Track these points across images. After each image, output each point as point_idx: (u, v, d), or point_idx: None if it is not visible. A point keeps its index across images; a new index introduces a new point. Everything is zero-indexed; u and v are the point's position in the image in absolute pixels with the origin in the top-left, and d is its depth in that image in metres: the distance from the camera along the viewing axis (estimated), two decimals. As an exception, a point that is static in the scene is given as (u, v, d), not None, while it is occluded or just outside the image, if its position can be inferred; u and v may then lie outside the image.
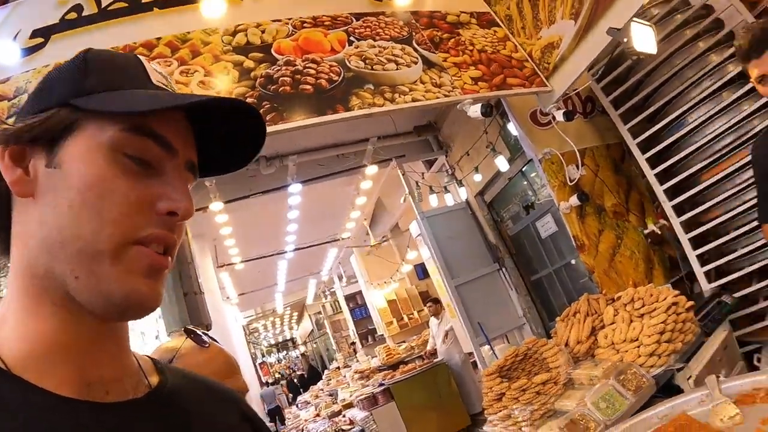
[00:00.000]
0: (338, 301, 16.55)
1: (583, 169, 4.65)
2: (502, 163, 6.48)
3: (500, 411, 2.64)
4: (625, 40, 3.44)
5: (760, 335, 3.83)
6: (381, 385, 7.40)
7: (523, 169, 7.01)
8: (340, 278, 14.77)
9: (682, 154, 4.16)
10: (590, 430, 2.07)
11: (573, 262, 6.76)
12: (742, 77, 3.92)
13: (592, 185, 4.97)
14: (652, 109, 4.34)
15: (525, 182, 7.22)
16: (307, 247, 11.22)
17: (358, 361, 11.20)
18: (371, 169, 7.39)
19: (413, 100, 3.13)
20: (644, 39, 3.56)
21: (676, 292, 2.86)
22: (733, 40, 4.15)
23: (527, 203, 7.31)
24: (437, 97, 3.28)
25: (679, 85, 4.13)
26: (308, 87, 2.72)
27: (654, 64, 4.23)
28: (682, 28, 4.16)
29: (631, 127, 4.51)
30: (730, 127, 3.86)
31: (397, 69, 3.20)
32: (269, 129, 2.61)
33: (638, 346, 2.69)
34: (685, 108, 4.09)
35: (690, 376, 2.56)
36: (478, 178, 7.19)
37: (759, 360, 3.82)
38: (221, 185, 6.59)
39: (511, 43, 4.19)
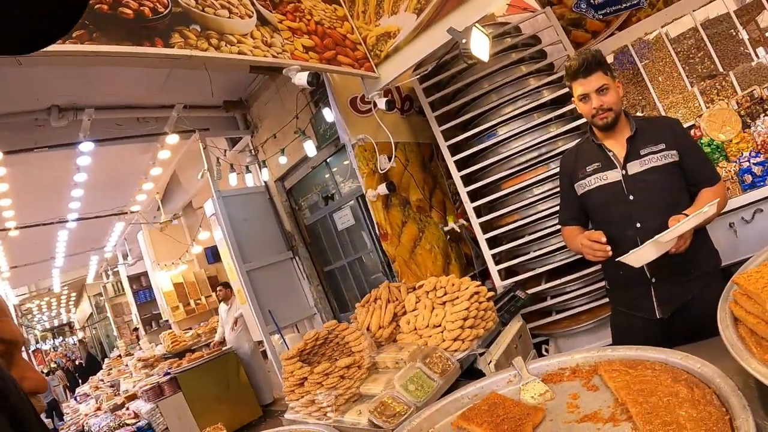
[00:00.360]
0: (121, 282, 14.80)
1: (394, 160, 4.73)
2: (310, 148, 6.40)
3: (303, 396, 2.51)
4: (464, 41, 3.55)
5: (547, 329, 4.28)
6: (167, 374, 6.79)
7: (328, 160, 7.04)
8: (125, 256, 13.30)
9: (488, 162, 4.45)
10: (400, 412, 2.04)
11: (371, 255, 6.93)
12: (555, 103, 4.37)
13: (401, 178, 5.09)
14: (467, 117, 4.58)
15: (327, 174, 7.24)
16: (93, 217, 10.02)
17: (141, 348, 10.25)
18: (172, 138, 6.80)
19: (239, 53, 2.87)
20: (480, 46, 3.72)
21: (478, 282, 2.99)
22: (552, 70, 4.65)
23: (327, 194, 7.34)
24: (265, 56, 3.04)
25: (497, 99, 4.44)
26: (128, 11, 2.32)
27: (476, 76, 4.49)
28: (510, 50, 4.52)
29: (444, 130, 4.71)
30: (535, 144, 4.27)
31: (229, 17, 2.90)
32: (72, 48, 2.20)
33: (442, 332, 2.74)
34: (498, 120, 4.41)
35: (491, 361, 2.69)
36: (283, 160, 7.01)
37: (547, 350, 4.28)
38: (1, 131, 5.57)
39: (348, 24, 4.11)
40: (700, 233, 2.39)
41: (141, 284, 13.37)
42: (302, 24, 3.52)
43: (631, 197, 2.46)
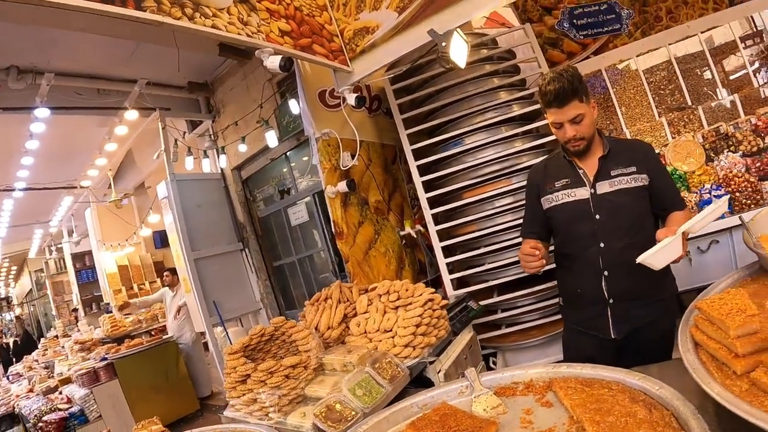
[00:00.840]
0: (64, 260, 14.05)
1: (357, 159, 4.66)
2: (272, 139, 6.27)
3: (245, 394, 2.40)
4: (444, 44, 3.51)
5: (496, 342, 4.27)
6: (104, 359, 6.49)
7: (288, 154, 6.94)
8: (71, 233, 12.69)
9: (451, 170, 4.43)
10: (347, 417, 1.97)
11: (322, 254, 6.85)
12: (524, 118, 4.39)
13: (361, 177, 5.02)
14: (435, 123, 4.55)
15: (286, 168, 7.14)
16: (41, 188, 9.55)
17: (79, 330, 9.79)
18: (131, 114, 6.57)
19: (213, 27, 2.74)
20: (459, 51, 3.69)
21: (432, 289, 2.95)
22: (525, 86, 4.67)
23: (283, 188, 7.26)
24: (239, 34, 2.93)
25: (467, 108, 4.43)
26: (102, -34, 2.19)
27: (448, 83, 4.47)
28: (485, 61, 4.52)
29: (410, 133, 4.67)
30: (500, 157, 4.27)
31: (208, -12, 2.79)
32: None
33: (393, 337, 2.68)
34: (465, 130, 4.39)
35: (440, 370, 2.65)
36: (243, 148, 6.87)
37: (495, 363, 4.26)
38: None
39: (327, 14, 4.02)
40: None
41: (84, 263, 12.81)
42: (281, 7, 3.41)
43: (598, 216, 2.43)
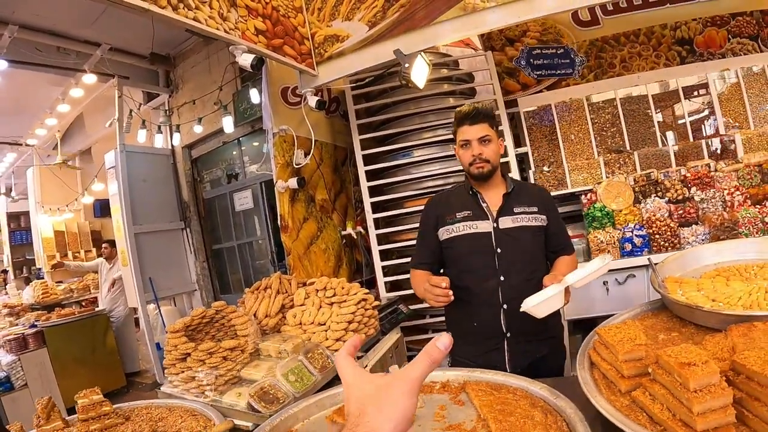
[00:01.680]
0: None
1: (309, 158, 4.80)
2: (228, 124, 6.29)
3: (183, 372, 2.48)
4: (407, 65, 3.69)
5: (422, 345, 4.39)
6: (33, 326, 6.31)
7: (241, 139, 6.95)
8: (9, 191, 12.14)
9: (397, 179, 4.66)
10: (279, 399, 2.10)
11: (262, 243, 6.89)
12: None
13: (311, 175, 5.18)
14: (388, 132, 4.77)
15: (236, 153, 7.14)
16: (-16, 141, 9.15)
17: (7, 293, 9.42)
18: (89, 78, 6.41)
19: (194, 20, 2.84)
20: (420, 73, 3.89)
21: (366, 290, 3.12)
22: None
23: (232, 173, 7.24)
24: (217, 29, 3.02)
25: (419, 123, 4.66)
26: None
27: (406, 97, 4.71)
28: (443, 80, 4.75)
29: (363, 139, 4.89)
30: (446, 173, 4.54)
31: (196, -23, 2.87)
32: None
33: (326, 330, 2.85)
34: (416, 143, 4.64)
35: (366, 365, 2.82)
36: (198, 129, 6.83)
37: None
38: None
39: (302, 17, 4.15)
40: None
41: (20, 224, 12.15)
42: (259, 5, 3.51)
43: (499, 250, 2.45)
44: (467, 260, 2.52)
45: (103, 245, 7.93)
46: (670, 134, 4.97)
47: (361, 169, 4.87)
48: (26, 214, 11.51)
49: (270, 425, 1.70)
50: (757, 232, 3.76)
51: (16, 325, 6.66)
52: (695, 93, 5.10)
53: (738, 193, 4.08)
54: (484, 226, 2.49)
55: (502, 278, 2.44)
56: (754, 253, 2.18)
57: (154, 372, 6.67)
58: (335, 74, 4.19)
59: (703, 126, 5.04)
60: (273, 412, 1.97)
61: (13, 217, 12.09)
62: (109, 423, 2.01)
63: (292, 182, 4.69)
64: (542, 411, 1.53)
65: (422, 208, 3.86)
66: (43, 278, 9.36)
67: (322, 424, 1.78)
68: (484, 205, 2.54)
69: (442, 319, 4.34)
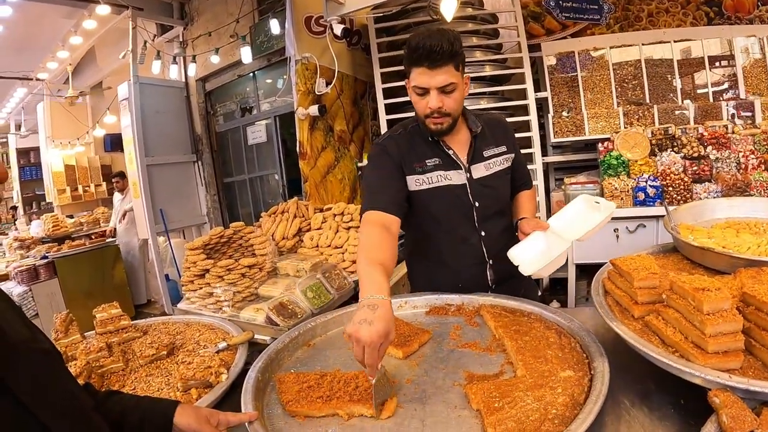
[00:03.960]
0: (8, 154, 13.06)
1: (331, 87, 4.80)
2: (246, 55, 6.21)
3: (201, 288, 2.53)
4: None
5: None
6: (44, 257, 6.41)
7: (256, 73, 6.88)
8: (18, 127, 11.90)
9: (412, 114, 4.62)
10: (297, 315, 2.17)
11: (274, 176, 6.92)
12: (494, 80, 4.60)
13: (331, 105, 5.19)
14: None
15: (251, 87, 7.06)
16: (-5, 77, 8.99)
17: (16, 228, 9.47)
18: (103, 9, 6.31)
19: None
20: (448, 6, 3.83)
21: (384, 215, 3.15)
22: (500, 50, 4.87)
23: (246, 106, 7.19)
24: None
25: None
26: None
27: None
28: (468, 19, 4.68)
29: (383, 73, 4.85)
30: None
31: None
32: None
33: (343, 253, 2.93)
34: None
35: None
36: (215, 59, 6.75)
37: None
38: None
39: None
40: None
41: (29, 160, 12.04)
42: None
43: (477, 204, 2.12)
44: (444, 218, 2.14)
45: (114, 179, 7.95)
46: (688, 102, 4.89)
47: (381, 103, 4.86)
48: (36, 149, 11.47)
49: (289, 337, 1.78)
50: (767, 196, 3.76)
51: (27, 257, 6.76)
52: (717, 63, 5.00)
53: (753, 156, 4.06)
54: (458, 178, 2.10)
55: (483, 233, 2.15)
56: (765, 212, 2.20)
57: (162, 303, 6.83)
58: (362, 3, 4.13)
59: (722, 98, 4.96)
60: (291, 326, 2.01)
61: (22, 153, 12.05)
62: (127, 336, 2.07)
63: (313, 109, 4.71)
64: (556, 333, 1.59)
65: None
66: (53, 212, 9.40)
67: (339, 339, 1.84)
68: (450, 152, 2.10)
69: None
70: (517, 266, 1.81)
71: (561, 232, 1.83)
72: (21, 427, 0.87)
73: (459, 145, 2.13)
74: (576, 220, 1.86)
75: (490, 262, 2.15)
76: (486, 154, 2.15)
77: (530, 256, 1.80)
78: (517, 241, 1.93)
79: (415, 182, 2.08)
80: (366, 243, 1.79)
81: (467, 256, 2.15)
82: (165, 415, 1.19)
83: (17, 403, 0.87)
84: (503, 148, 2.20)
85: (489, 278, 2.17)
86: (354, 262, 2.82)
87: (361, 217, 1.99)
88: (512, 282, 2.17)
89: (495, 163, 2.17)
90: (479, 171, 2.13)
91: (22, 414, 0.87)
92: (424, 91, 1.94)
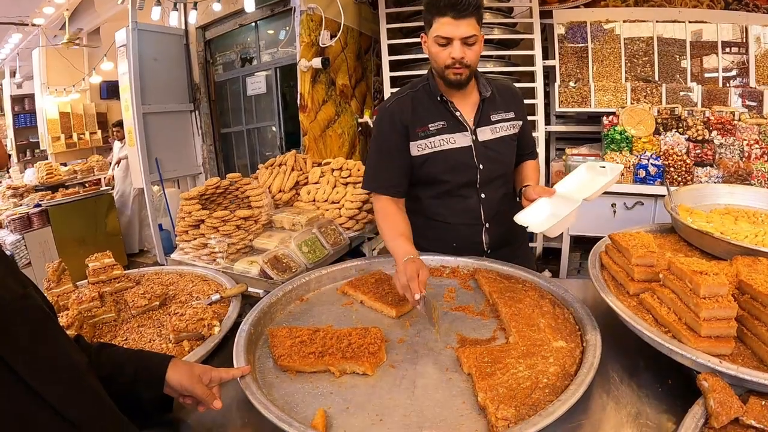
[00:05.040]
0: (2, 101, 13.06)
1: (335, 40, 4.72)
2: (249, 3, 6.01)
3: (196, 239, 2.50)
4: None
5: None
6: (38, 206, 6.31)
7: (258, 23, 6.70)
8: (13, 74, 11.55)
9: (420, 72, 4.55)
10: (291, 269, 2.17)
11: (272, 129, 6.84)
12: (501, 44, 4.52)
13: (335, 58, 5.10)
14: (415, 24, 4.65)
15: (251, 37, 6.89)
16: (-9, 21, 8.70)
17: (10, 176, 9.35)
18: None
19: None
20: None
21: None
22: (510, 14, 4.77)
23: (246, 56, 7.03)
24: None
25: None
26: None
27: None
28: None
29: (390, 28, 4.77)
30: None
31: None
32: None
33: (340, 208, 2.90)
34: None
35: (375, 248, 2.90)
36: (217, 7, 6.56)
37: None
38: None
39: None
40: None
41: (24, 107, 11.70)
42: None
43: (481, 166, 2.12)
44: (446, 179, 2.15)
45: (114, 129, 7.81)
46: (694, 84, 4.84)
47: (385, 59, 4.80)
48: (31, 96, 11.15)
49: (282, 291, 1.77)
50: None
51: (21, 205, 6.68)
52: (728, 49, 4.94)
53: (757, 146, 4.05)
54: (463, 140, 2.12)
55: (483, 195, 2.17)
56: (765, 202, 2.20)
57: (155, 253, 6.79)
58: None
59: (729, 84, 4.92)
60: (285, 280, 2.01)
61: (17, 100, 11.71)
62: (120, 286, 2.04)
63: (316, 62, 4.64)
64: (551, 303, 1.59)
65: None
66: (47, 160, 9.27)
67: (332, 295, 1.85)
68: (457, 113, 2.12)
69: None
70: (526, 227, 1.82)
71: (569, 195, 1.85)
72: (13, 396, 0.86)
73: (467, 107, 2.14)
74: (582, 184, 1.90)
75: (487, 225, 2.17)
76: (493, 118, 2.16)
77: (541, 217, 1.84)
78: (518, 208, 1.94)
79: (417, 148, 2.10)
80: (385, 224, 2.02)
81: (465, 215, 2.17)
82: (157, 370, 1.19)
83: (10, 370, 0.85)
84: (511, 114, 2.21)
85: (484, 241, 2.19)
86: (350, 218, 2.84)
87: (364, 183, 2.19)
88: (508, 249, 2.21)
89: (502, 128, 2.17)
90: (485, 134, 2.13)
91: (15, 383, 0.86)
92: (447, 42, 1.96)
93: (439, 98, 2.11)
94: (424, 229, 2.20)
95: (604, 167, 1.90)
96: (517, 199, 2.11)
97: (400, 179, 2.12)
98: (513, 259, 2.09)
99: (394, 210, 2.07)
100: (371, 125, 5.32)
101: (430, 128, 2.10)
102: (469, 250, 2.12)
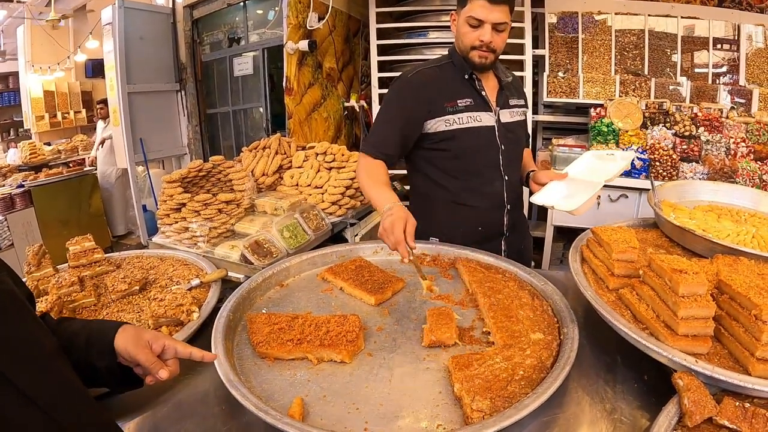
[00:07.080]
0: None
1: (323, 22, 4.67)
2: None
3: (177, 222, 2.47)
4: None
5: None
6: (20, 186, 6.21)
7: (246, 3, 6.63)
8: None
9: (408, 57, 4.62)
10: (272, 254, 2.15)
11: (259, 110, 6.77)
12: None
13: (322, 41, 5.07)
14: (405, 9, 4.66)
15: (239, 17, 6.80)
16: (-28, -2, 8.43)
17: None
18: None
19: None
20: None
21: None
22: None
23: (234, 36, 6.94)
24: None
25: (440, 5, 4.55)
26: None
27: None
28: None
29: (380, 12, 4.75)
30: None
31: None
32: None
33: (323, 194, 2.89)
34: (432, 24, 4.56)
35: (357, 234, 2.88)
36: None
37: None
38: None
39: None
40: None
41: (8, 85, 11.40)
42: None
43: (503, 147, 2.18)
44: (473, 158, 2.16)
45: (99, 106, 7.71)
46: (682, 78, 4.86)
47: (373, 43, 4.76)
48: (15, 74, 10.89)
49: (262, 277, 1.76)
50: (753, 186, 3.78)
51: (3, 185, 6.55)
52: (719, 46, 4.97)
53: (743, 144, 4.09)
54: (488, 119, 2.15)
55: (506, 178, 2.20)
56: (749, 201, 2.21)
57: (139, 234, 6.75)
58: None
59: (718, 81, 4.94)
60: (266, 265, 2.00)
61: (1, 78, 11.51)
62: (100, 270, 2.02)
63: (303, 44, 4.59)
64: (530, 294, 1.59)
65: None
66: (31, 139, 9.11)
67: (312, 281, 1.84)
68: (483, 93, 2.16)
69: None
70: (551, 207, 1.88)
71: (586, 179, 1.92)
72: None
73: (489, 90, 2.20)
74: (592, 168, 1.99)
75: (508, 207, 2.24)
76: (511, 102, 2.25)
77: (558, 197, 1.91)
78: (524, 192, 2.04)
79: (445, 123, 2.12)
80: (365, 173, 2.06)
81: (490, 199, 2.21)
82: (107, 336, 1.12)
83: None
84: (522, 102, 2.33)
85: (505, 224, 2.26)
86: (333, 203, 2.83)
87: (362, 146, 2.25)
88: (518, 233, 2.34)
89: (516, 113, 2.28)
90: (505, 116, 2.22)
91: None
92: (479, 24, 2.01)
93: (467, 76, 2.15)
94: (451, 215, 2.23)
95: (612, 154, 1.97)
96: (523, 184, 2.27)
97: (396, 149, 2.15)
98: (523, 241, 2.32)
99: (376, 164, 2.09)
100: (357, 109, 5.30)
101: (459, 104, 2.13)
102: (494, 234, 2.23)
